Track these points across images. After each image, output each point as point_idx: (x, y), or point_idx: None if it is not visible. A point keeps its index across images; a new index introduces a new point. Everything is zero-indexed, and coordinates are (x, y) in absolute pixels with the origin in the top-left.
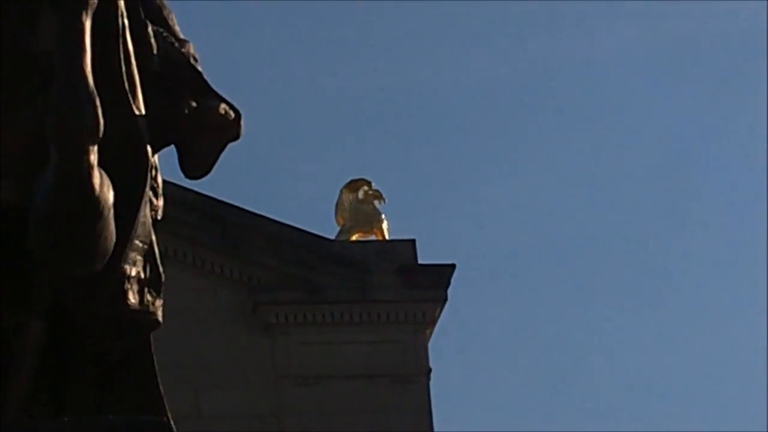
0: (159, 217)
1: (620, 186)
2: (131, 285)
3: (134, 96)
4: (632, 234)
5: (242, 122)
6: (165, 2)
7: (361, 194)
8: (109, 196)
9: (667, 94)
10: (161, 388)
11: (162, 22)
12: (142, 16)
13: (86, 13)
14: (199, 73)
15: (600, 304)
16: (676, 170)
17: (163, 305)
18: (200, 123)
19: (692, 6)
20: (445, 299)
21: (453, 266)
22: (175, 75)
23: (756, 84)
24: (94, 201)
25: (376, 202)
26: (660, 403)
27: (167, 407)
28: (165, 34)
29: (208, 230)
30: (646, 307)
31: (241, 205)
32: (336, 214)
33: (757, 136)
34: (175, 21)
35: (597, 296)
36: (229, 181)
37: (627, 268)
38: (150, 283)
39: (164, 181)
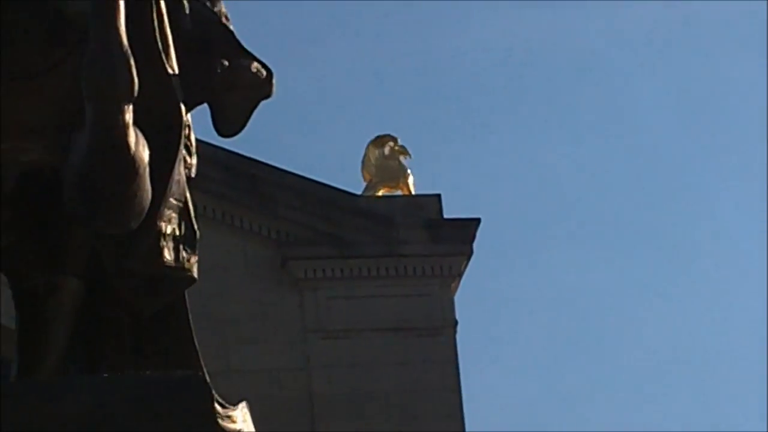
0: (193, 175)
1: (648, 142)
2: (167, 242)
3: (167, 55)
4: (659, 190)
5: (274, 81)
6: None
7: (386, 150)
8: (145, 154)
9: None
10: (196, 343)
11: None
12: None
13: None
14: (231, 32)
15: (622, 258)
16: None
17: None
18: (232, 82)
19: None
20: (471, 253)
21: (478, 220)
22: (207, 34)
23: None
24: (129, 160)
25: (401, 158)
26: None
27: (202, 362)
28: None
29: (237, 187)
30: (665, 269)
31: (269, 162)
32: (362, 169)
33: None
34: None
35: (618, 250)
36: (257, 138)
37: (652, 223)
38: (185, 240)
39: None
